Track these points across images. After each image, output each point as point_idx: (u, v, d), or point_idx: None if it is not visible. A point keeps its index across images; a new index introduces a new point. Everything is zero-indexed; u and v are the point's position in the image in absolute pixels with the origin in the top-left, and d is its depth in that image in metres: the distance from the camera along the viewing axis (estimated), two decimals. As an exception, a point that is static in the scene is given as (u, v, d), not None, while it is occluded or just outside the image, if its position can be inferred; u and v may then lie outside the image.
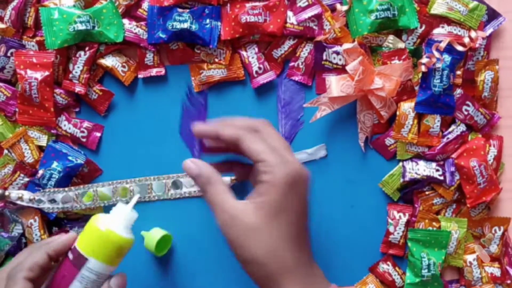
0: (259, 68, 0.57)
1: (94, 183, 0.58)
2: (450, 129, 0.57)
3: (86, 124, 0.57)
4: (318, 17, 0.56)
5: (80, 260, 0.42)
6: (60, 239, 0.44)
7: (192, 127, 0.45)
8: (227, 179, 0.57)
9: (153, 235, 0.55)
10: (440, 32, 0.55)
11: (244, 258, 0.41)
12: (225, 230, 0.41)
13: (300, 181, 0.41)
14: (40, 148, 0.57)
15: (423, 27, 0.55)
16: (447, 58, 0.55)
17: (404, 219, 0.58)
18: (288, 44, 0.57)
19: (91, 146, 0.58)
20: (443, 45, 0.54)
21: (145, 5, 0.56)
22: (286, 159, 0.41)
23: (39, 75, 0.55)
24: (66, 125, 0.57)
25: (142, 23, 0.56)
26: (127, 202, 0.48)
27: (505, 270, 0.58)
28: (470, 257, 0.58)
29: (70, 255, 0.43)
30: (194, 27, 0.55)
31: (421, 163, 0.57)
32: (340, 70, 0.56)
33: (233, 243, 0.41)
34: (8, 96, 0.56)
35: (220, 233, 0.41)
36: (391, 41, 0.55)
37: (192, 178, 0.45)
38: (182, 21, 0.55)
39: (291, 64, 0.58)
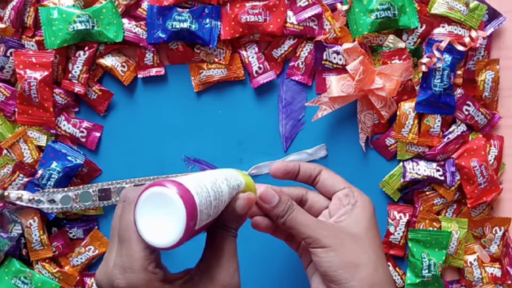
0: (259, 68, 0.57)
1: (94, 183, 0.57)
2: (450, 129, 0.57)
3: (85, 124, 0.57)
4: (318, 17, 0.56)
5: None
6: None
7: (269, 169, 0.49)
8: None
9: None
10: (441, 32, 0.55)
11: (352, 263, 0.42)
12: (326, 239, 0.42)
13: (374, 208, 0.47)
14: (40, 148, 0.57)
15: (424, 27, 0.55)
16: (447, 58, 0.54)
17: (404, 219, 0.57)
18: (288, 43, 0.56)
19: (91, 146, 0.58)
20: (443, 44, 0.54)
21: (144, 5, 0.56)
22: (359, 189, 0.48)
23: (38, 75, 0.55)
24: (66, 125, 0.57)
25: (142, 22, 0.56)
26: None
27: (506, 271, 0.58)
28: (470, 258, 0.58)
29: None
30: (193, 26, 0.55)
31: (422, 163, 0.57)
32: (341, 70, 0.56)
33: (339, 249, 0.42)
34: (7, 96, 0.56)
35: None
36: (391, 41, 0.55)
37: (268, 206, 0.45)
38: (182, 20, 0.55)
39: (291, 64, 0.57)
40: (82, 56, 0.55)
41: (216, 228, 0.39)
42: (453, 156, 0.57)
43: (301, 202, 0.49)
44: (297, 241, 0.49)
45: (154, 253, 0.35)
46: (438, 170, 0.56)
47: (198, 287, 0.37)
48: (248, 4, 0.55)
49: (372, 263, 0.43)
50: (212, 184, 0.36)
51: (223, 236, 0.39)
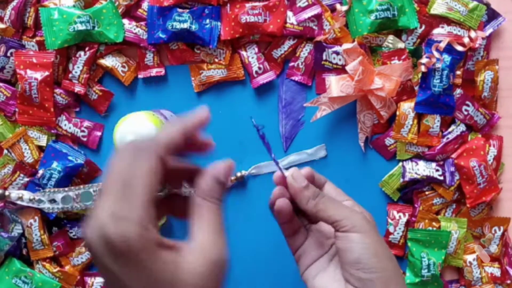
0: (259, 68, 0.57)
1: (94, 183, 0.58)
2: (450, 129, 0.57)
3: (86, 123, 0.57)
4: (318, 17, 0.56)
5: None
6: (194, 119, 0.40)
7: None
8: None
9: None
10: (440, 32, 0.55)
11: (384, 253, 0.41)
12: (362, 225, 0.41)
13: (375, 224, 0.46)
14: (40, 148, 0.57)
15: (423, 27, 0.55)
16: (446, 58, 0.55)
17: (404, 219, 0.58)
18: (288, 44, 0.57)
19: (92, 146, 0.58)
20: (442, 45, 0.54)
21: (145, 5, 0.56)
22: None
23: (39, 75, 0.55)
24: (67, 125, 0.57)
25: (142, 23, 0.56)
26: None
27: (505, 270, 0.58)
28: (470, 257, 0.58)
29: None
30: (194, 27, 0.55)
31: (421, 163, 0.57)
32: (340, 70, 0.56)
33: (373, 237, 0.41)
34: (8, 96, 0.56)
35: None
36: (391, 41, 0.55)
37: (295, 188, 0.44)
38: (182, 21, 0.55)
39: (291, 64, 0.58)
40: (82, 57, 0.56)
41: (199, 200, 0.36)
42: (453, 156, 0.57)
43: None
44: (299, 242, 0.49)
45: (156, 213, 0.31)
46: (437, 170, 0.56)
47: (187, 260, 0.32)
48: (248, 5, 0.55)
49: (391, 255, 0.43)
50: None
51: (208, 208, 0.36)
